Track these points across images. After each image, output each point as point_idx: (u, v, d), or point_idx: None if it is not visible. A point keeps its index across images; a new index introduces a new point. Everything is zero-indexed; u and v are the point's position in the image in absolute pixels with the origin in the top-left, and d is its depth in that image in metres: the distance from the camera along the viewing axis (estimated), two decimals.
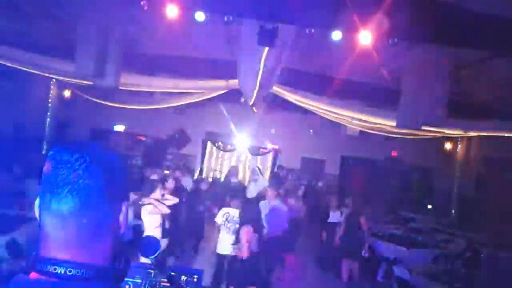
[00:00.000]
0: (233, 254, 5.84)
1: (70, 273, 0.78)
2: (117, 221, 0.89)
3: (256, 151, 14.33)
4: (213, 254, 6.32)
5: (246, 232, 4.86)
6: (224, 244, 5.84)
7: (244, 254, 4.76)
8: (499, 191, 9.17)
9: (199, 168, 14.31)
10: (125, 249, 0.90)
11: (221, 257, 5.92)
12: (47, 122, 10.47)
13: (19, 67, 7.17)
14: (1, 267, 4.44)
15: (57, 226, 0.80)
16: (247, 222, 5.02)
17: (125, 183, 0.91)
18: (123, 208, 0.90)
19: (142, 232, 7.08)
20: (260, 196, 8.59)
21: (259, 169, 10.66)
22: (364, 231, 6.65)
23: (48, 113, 10.50)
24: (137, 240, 1.42)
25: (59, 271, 0.77)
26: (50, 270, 0.78)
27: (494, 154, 9.67)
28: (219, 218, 5.94)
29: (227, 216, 5.89)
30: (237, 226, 5.75)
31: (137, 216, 7.78)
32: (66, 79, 8.08)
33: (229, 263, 5.78)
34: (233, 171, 11.80)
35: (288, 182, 12.51)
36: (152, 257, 1.26)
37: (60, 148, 0.83)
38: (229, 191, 8.29)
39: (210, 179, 13.36)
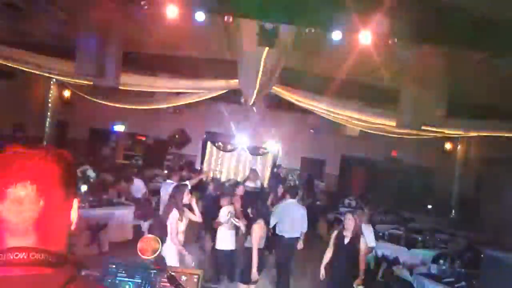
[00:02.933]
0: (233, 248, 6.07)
1: (33, 257, 0.78)
2: (69, 216, 0.90)
3: (256, 151, 14.33)
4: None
5: (259, 228, 4.92)
6: (225, 240, 6.05)
7: (254, 249, 4.83)
8: (499, 191, 9.16)
9: (199, 168, 14.32)
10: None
11: (221, 252, 6.12)
12: (47, 122, 10.46)
13: (19, 67, 7.17)
14: None
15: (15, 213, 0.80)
16: (258, 219, 5.06)
17: (76, 180, 0.93)
18: (74, 205, 0.92)
19: (142, 232, 7.07)
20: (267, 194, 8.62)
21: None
22: (362, 257, 4.88)
23: (48, 113, 10.50)
24: (136, 240, 1.42)
25: (21, 257, 0.77)
26: (12, 258, 0.77)
27: (494, 154, 9.67)
28: (223, 216, 6.04)
29: (230, 214, 6.03)
30: (233, 221, 6.01)
31: (137, 216, 7.81)
32: (66, 79, 8.07)
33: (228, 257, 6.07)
34: (252, 175, 11.47)
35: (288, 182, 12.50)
36: (152, 257, 1.26)
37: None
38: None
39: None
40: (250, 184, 10.18)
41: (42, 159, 0.84)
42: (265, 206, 5.82)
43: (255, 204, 5.42)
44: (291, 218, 6.21)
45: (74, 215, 0.92)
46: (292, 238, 6.18)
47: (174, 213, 4.62)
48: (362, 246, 4.88)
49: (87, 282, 0.86)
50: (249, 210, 5.64)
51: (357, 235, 4.92)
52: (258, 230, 4.94)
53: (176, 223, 4.61)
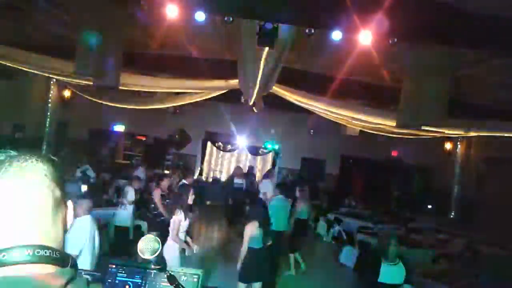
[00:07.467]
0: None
1: (38, 254, 0.76)
2: (66, 216, 0.90)
3: (256, 151, 14.34)
4: None
5: (249, 228, 4.93)
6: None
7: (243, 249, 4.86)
8: (499, 191, 9.16)
9: (199, 168, 14.32)
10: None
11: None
12: (47, 122, 10.46)
13: (19, 67, 7.17)
14: None
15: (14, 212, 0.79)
16: (253, 219, 5.06)
17: (64, 183, 0.92)
18: (70, 206, 0.92)
19: (142, 232, 7.06)
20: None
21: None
22: None
23: (48, 113, 10.50)
24: (137, 240, 1.42)
25: (26, 254, 0.76)
26: (16, 255, 0.75)
27: (494, 154, 9.67)
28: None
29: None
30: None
31: (138, 216, 7.80)
32: (66, 79, 8.07)
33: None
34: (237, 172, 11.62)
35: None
36: (152, 257, 1.25)
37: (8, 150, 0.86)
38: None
39: (211, 179, 13.38)
40: (237, 180, 10.37)
41: (38, 160, 0.84)
42: (260, 205, 5.87)
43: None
44: (280, 212, 6.63)
45: (69, 216, 0.92)
46: (279, 232, 6.49)
47: (179, 213, 4.77)
48: None
49: (86, 282, 0.86)
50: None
51: None
52: (248, 229, 4.95)
53: (178, 223, 4.72)
